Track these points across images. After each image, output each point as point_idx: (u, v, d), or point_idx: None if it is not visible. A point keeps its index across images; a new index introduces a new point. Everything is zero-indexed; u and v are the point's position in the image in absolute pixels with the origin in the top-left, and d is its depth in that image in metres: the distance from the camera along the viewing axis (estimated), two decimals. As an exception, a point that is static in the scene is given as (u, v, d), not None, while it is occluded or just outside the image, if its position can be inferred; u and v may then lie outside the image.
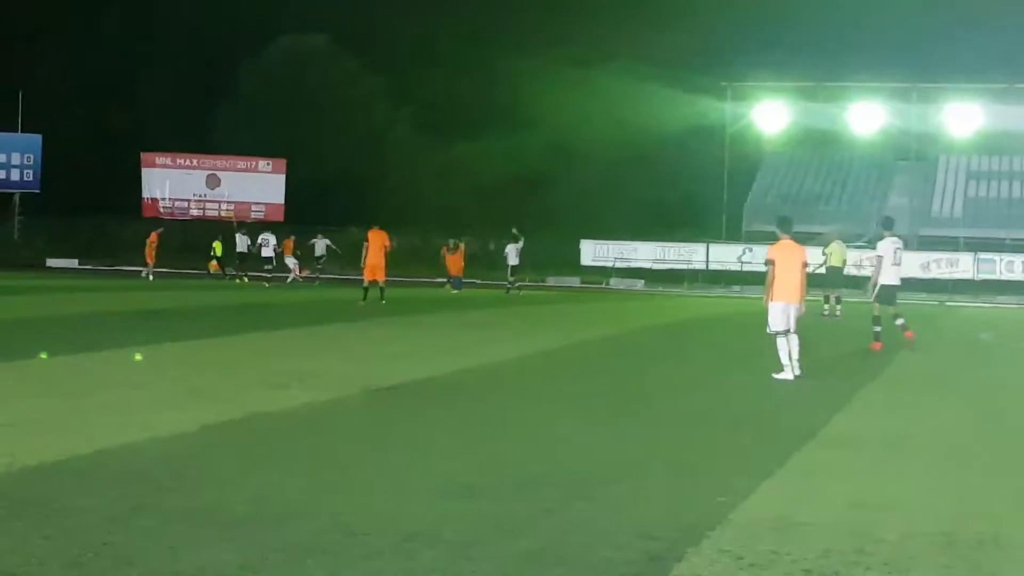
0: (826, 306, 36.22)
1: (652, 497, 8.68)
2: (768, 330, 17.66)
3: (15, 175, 72.13)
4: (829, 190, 71.48)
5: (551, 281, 60.60)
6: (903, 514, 8.40)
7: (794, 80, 69.46)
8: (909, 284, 57.91)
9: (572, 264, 64.07)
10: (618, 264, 62.80)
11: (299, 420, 12.03)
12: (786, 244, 18.11)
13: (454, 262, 49.08)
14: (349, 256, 50.05)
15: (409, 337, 22.88)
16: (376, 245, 34.29)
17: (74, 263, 63.89)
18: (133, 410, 12.11)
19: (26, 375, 15.10)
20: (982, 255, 60.15)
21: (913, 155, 70.36)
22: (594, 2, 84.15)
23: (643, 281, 60.53)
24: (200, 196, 71.56)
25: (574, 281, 61.44)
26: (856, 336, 25.41)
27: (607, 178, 76.07)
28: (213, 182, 72.07)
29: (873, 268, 23.81)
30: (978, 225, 66.45)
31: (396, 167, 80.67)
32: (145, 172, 71.85)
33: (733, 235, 66.45)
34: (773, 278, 17.74)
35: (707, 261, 63.23)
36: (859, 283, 58.43)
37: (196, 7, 79.97)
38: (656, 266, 63.12)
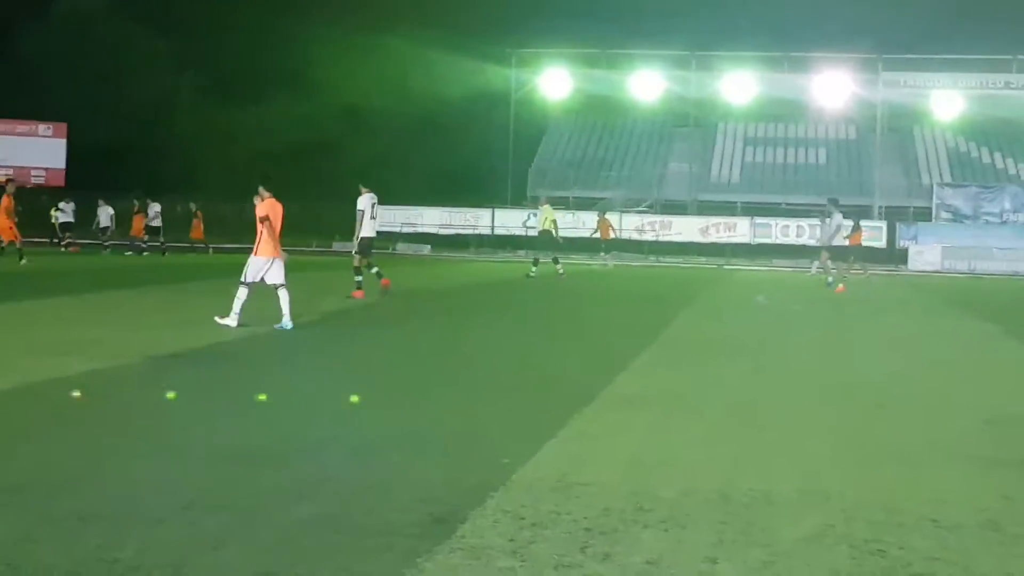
0: (533, 268, 37.17)
1: (435, 462, 8.71)
2: (242, 279, 18.40)
3: None
4: (612, 156, 72.67)
5: (336, 246, 60.30)
6: (681, 472, 8.58)
7: (578, 47, 70.21)
8: (686, 248, 59.59)
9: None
10: (405, 230, 62.85)
11: (79, 388, 11.76)
12: (272, 202, 18.72)
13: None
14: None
15: (189, 305, 22.54)
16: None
17: None
18: (-98, 381, 11.73)
19: None
20: (758, 219, 61.75)
21: (692, 122, 71.80)
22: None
23: (429, 246, 60.70)
24: (-24, 161, 69.37)
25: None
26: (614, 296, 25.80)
27: (395, 144, 76.07)
28: (-10, 146, 69.91)
29: (358, 222, 25.21)
30: (755, 191, 68.24)
31: (181, 132, 79.33)
32: (-87, 135, 69.39)
33: (518, 200, 67.03)
34: (269, 232, 18.45)
35: (492, 226, 63.67)
36: (638, 248, 59.61)
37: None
38: (443, 231, 63.39)
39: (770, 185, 68.79)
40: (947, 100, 68.53)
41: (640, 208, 65.09)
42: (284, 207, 18.71)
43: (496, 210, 64.46)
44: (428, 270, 41.74)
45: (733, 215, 63.60)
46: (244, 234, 57.68)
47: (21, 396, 11.15)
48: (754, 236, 60.89)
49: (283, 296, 18.29)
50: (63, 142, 70.11)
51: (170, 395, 10.87)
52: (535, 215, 56.45)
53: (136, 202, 50.15)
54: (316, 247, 58.92)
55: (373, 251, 25.59)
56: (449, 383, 12.95)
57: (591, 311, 25.15)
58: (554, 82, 70.50)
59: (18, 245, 35.70)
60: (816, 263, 39.02)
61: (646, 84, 69.66)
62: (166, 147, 76.47)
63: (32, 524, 6.67)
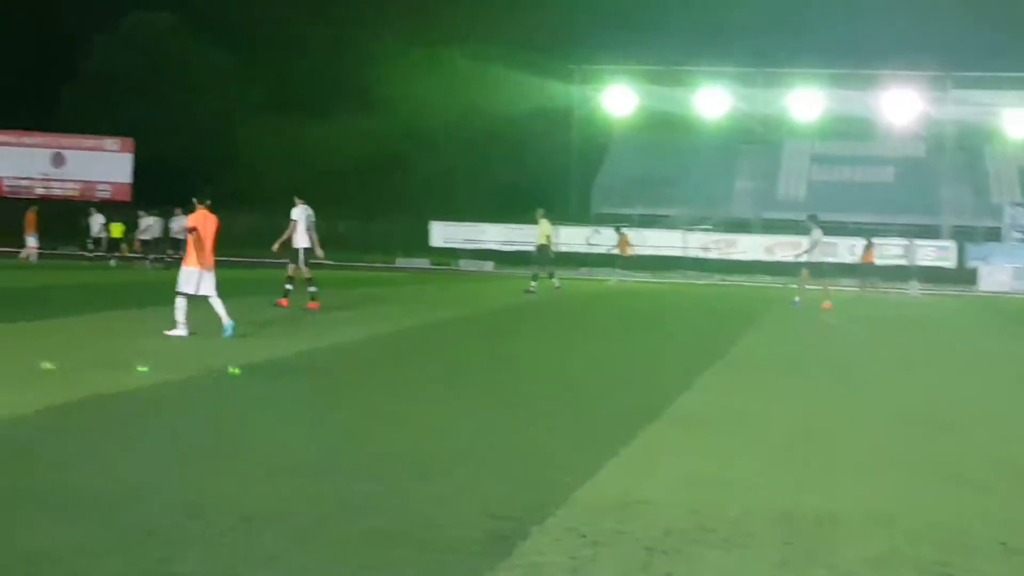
0: (532, 283, 37.08)
1: (497, 477, 8.69)
2: (177, 289, 18.55)
3: None
4: (676, 173, 72.28)
5: (400, 262, 60.51)
6: (744, 491, 8.51)
7: (642, 64, 70.04)
8: (751, 266, 59.14)
9: (422, 246, 64.04)
10: (467, 246, 62.94)
11: (142, 401, 11.84)
12: (204, 213, 18.93)
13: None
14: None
15: (254, 318, 22.64)
16: None
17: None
18: (-30, 392, 11.84)
19: None
20: (825, 238, 61.20)
21: (758, 139, 71.45)
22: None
23: (492, 263, 60.71)
24: (45, 175, 70.08)
25: (424, 262, 61.41)
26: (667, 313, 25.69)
27: (458, 160, 76.23)
28: (59, 161, 70.65)
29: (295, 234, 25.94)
30: (821, 209, 67.61)
31: (245, 147, 79.88)
32: (-12, 150, 70.23)
33: (581, 217, 66.90)
34: (199, 243, 18.64)
35: (557, 243, 63.55)
36: (703, 265, 59.33)
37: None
38: (505, 248, 63.36)
39: (837, 203, 68.09)
40: (1018, 118, 67.82)
41: (705, 226, 64.82)
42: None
43: (559, 227, 64.37)
44: (491, 286, 41.73)
45: (798, 234, 63.16)
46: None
47: (89, 408, 11.21)
48: (820, 255, 60.42)
49: (216, 304, 18.52)
50: (130, 157, 70.73)
51: (233, 370, 10.92)
52: (598, 232, 56.42)
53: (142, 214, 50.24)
54: (379, 263, 59.08)
55: (311, 262, 25.96)
56: (512, 400, 12.90)
57: (654, 329, 25.07)
58: (618, 98, 70.37)
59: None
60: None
61: (711, 101, 69.38)
62: (231, 162, 77.01)
63: (97, 535, 6.69)
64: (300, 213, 25.71)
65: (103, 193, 69.15)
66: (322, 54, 79.79)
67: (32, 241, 50.80)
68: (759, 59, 70.15)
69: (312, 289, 25.49)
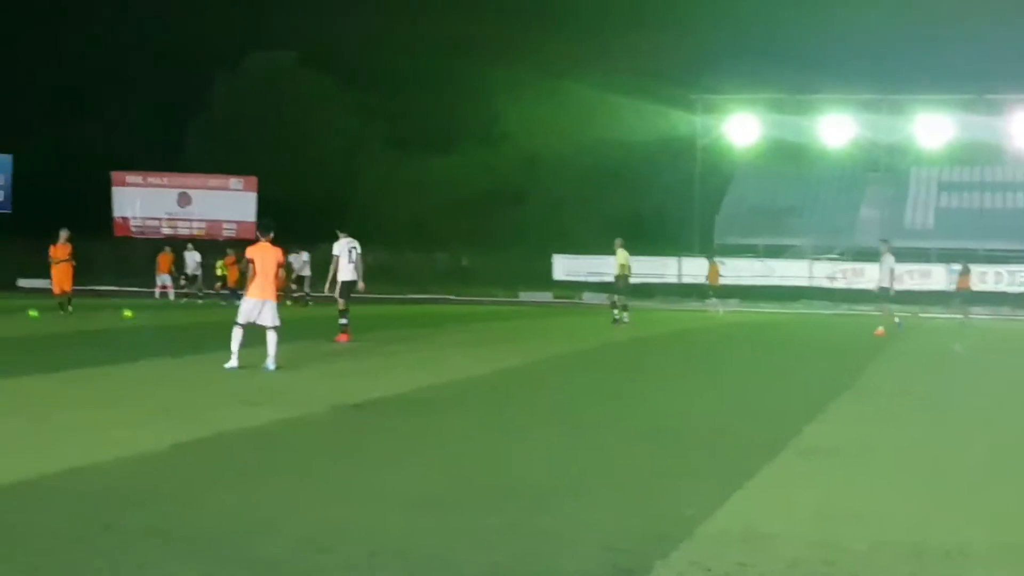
0: (615, 311, 36.92)
1: (620, 510, 8.65)
2: (237, 320, 18.87)
3: (-15, 195, 71.69)
4: (800, 202, 71.63)
5: (523, 296, 60.60)
6: (871, 524, 8.39)
7: (765, 92, 69.54)
8: (876, 296, 58.29)
9: (544, 279, 64.08)
10: (590, 279, 62.80)
11: (269, 437, 11.97)
12: (264, 245, 19.26)
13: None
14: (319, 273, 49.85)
15: (375, 353, 22.80)
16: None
17: (46, 283, 63.47)
18: (102, 428, 12.05)
19: (-6, 394, 15.01)
20: (954, 266, 60.30)
21: (884, 166, 70.58)
22: (565, 16, 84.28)
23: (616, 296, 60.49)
24: (171, 215, 71.24)
25: (547, 296, 61.43)
26: (820, 345, 25.41)
27: (579, 191, 76.23)
28: (184, 200, 71.77)
29: (332, 267, 26.30)
30: (950, 236, 66.60)
31: (367, 183, 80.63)
32: (116, 191, 71.47)
33: (705, 248, 66.50)
34: (252, 275, 18.97)
35: (679, 274, 63.30)
36: (830, 295, 58.68)
37: (164, 24, 79.70)
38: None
39: (966, 231, 66.99)
40: None
41: (831, 255, 64.15)
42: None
43: (682, 258, 64.10)
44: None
45: (927, 262, 62.24)
46: (432, 283, 58.51)
47: (214, 445, 11.36)
48: (949, 283, 59.50)
49: (271, 338, 18.73)
50: (253, 195, 71.64)
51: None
52: (723, 263, 56.02)
53: (230, 252, 50.76)
54: (502, 297, 59.25)
55: (352, 295, 26.12)
56: (632, 432, 12.85)
57: (777, 360, 24.85)
58: (741, 127, 69.92)
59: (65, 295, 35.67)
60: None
61: (835, 128, 68.59)
62: (354, 198, 77.71)
63: (224, 571, 6.76)
64: (342, 247, 26.08)
65: (229, 232, 70.13)
66: (442, 88, 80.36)
67: (165, 280, 51.94)
68: (884, 86, 69.34)
69: (343, 321, 25.69)
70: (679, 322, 40.77)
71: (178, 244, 57.83)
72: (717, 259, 51.66)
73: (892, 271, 33.91)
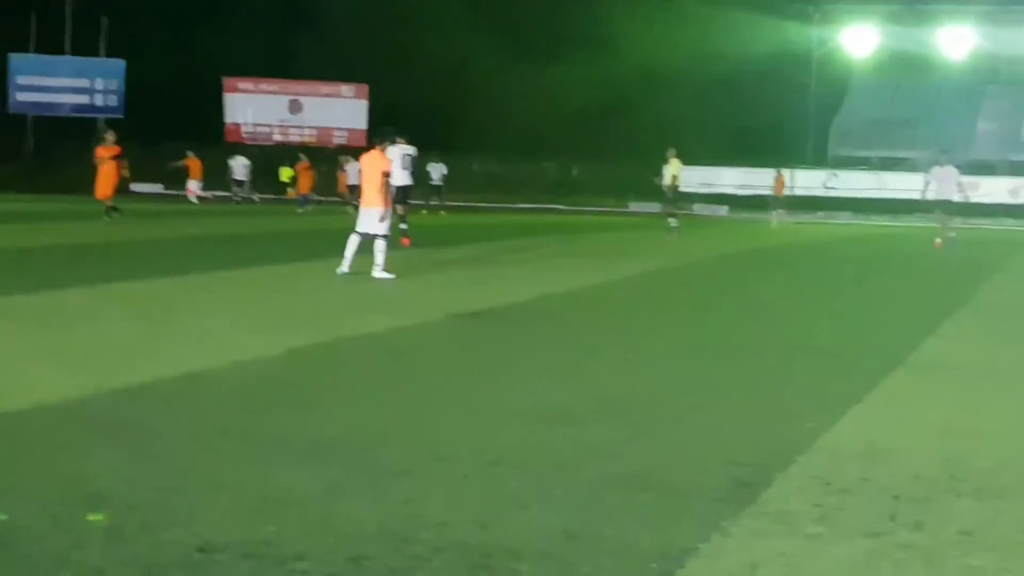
0: (672, 221, 36.39)
1: (738, 424, 8.58)
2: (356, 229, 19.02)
3: (99, 100, 72.57)
4: (917, 115, 70.34)
5: (633, 207, 60.33)
6: (996, 441, 8.25)
7: (882, 3, 68.26)
8: (995, 209, 57.28)
9: (655, 189, 63.65)
10: (701, 190, 62.34)
11: (385, 345, 12.03)
12: (374, 154, 19.26)
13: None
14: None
15: (488, 263, 22.84)
16: None
17: (159, 188, 64.38)
18: (219, 334, 12.18)
19: (112, 299, 15.23)
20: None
21: (1003, 79, 69.09)
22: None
23: (727, 207, 60.10)
24: (283, 122, 71.70)
25: (657, 207, 61.05)
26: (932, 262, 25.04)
27: (692, 104, 75.29)
28: (295, 107, 72.19)
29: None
30: (1070, 149, 65.23)
31: (478, 92, 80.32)
32: (227, 97, 72.10)
33: (819, 160, 65.71)
34: (381, 185, 18.87)
35: (792, 186, 62.61)
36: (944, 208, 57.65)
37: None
38: (740, 192, 62.65)
39: (1087, 143, 65.62)
40: None
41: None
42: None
43: (796, 171, 63.37)
44: (724, 232, 41.40)
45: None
46: (542, 193, 58.33)
47: (331, 352, 11.43)
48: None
49: (379, 246, 18.71)
50: (364, 103, 71.81)
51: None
52: (836, 175, 55.35)
53: (303, 157, 50.81)
54: (612, 207, 59.04)
55: (409, 201, 26.65)
56: (749, 347, 12.74)
57: (892, 275, 24.52)
58: (857, 39, 68.78)
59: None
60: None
61: (954, 40, 67.26)
62: (462, 107, 77.47)
63: (343, 477, 6.79)
64: (396, 152, 25.90)
65: (340, 139, 70.41)
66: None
67: (194, 186, 52.49)
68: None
69: (403, 226, 25.82)
70: (792, 234, 40.38)
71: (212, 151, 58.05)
72: (784, 171, 50.92)
73: (960, 183, 33.21)
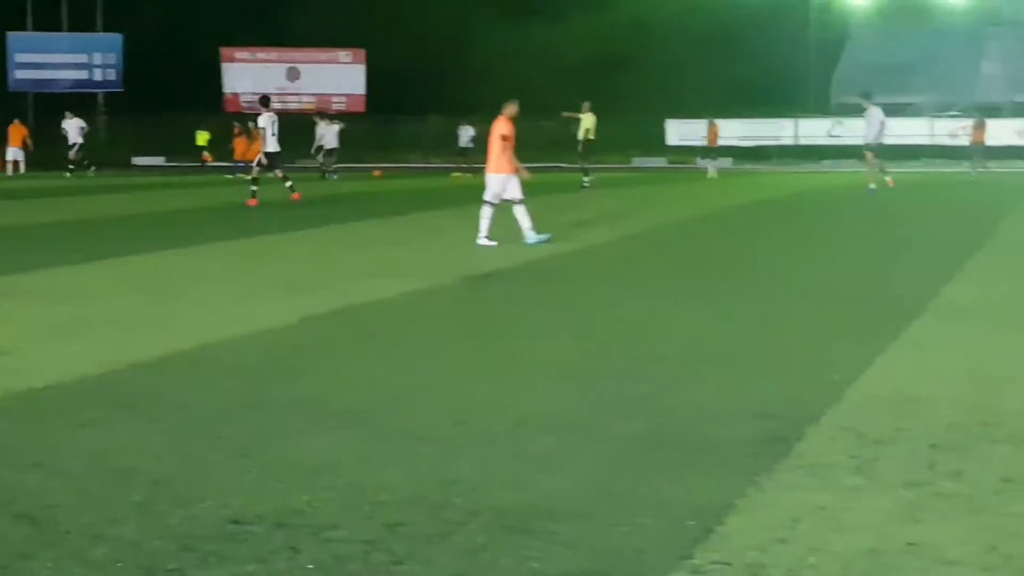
0: (585, 179, 36.71)
1: (764, 377, 8.48)
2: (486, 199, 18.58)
3: (98, 75, 72.44)
4: (919, 59, 69.85)
5: (636, 162, 60.18)
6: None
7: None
8: (1004, 151, 57.01)
9: (657, 144, 63.48)
10: (704, 143, 62.12)
11: (399, 309, 11.94)
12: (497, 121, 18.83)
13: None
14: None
15: (497, 223, 22.71)
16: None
17: (160, 161, 64.24)
18: (232, 303, 12.12)
19: (120, 272, 15.18)
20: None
21: (1006, 20, 68.67)
22: None
23: (731, 159, 59.85)
24: (281, 89, 71.43)
25: (660, 161, 60.98)
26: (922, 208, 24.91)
27: (690, 56, 74.90)
28: (293, 75, 71.98)
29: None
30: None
31: (474, 52, 79.94)
32: (225, 67, 71.92)
33: (821, 109, 65.38)
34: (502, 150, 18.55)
35: (796, 136, 62.43)
36: (951, 153, 57.51)
37: None
38: (744, 143, 62.40)
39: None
40: None
41: (951, 113, 62.73)
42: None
43: (799, 120, 63.13)
44: (729, 184, 41.26)
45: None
46: (542, 151, 58.07)
47: (345, 319, 11.34)
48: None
49: (518, 212, 18.32)
50: (362, 68, 71.60)
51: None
52: (840, 123, 55.07)
53: (237, 125, 49.39)
54: (615, 164, 58.80)
55: (282, 165, 28.74)
56: (767, 299, 12.62)
57: (903, 220, 24.40)
58: (856, -16, 68.37)
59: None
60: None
61: (954, -19, 66.86)
62: (462, 67, 77.13)
63: (370, 444, 6.71)
64: (266, 120, 28.03)
65: (338, 105, 70.17)
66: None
67: (16, 155, 51.78)
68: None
69: (288, 184, 28.16)
70: (798, 183, 40.24)
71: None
72: (717, 120, 50.78)
73: (882, 124, 33.09)
